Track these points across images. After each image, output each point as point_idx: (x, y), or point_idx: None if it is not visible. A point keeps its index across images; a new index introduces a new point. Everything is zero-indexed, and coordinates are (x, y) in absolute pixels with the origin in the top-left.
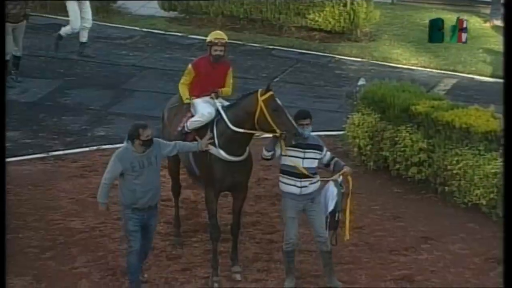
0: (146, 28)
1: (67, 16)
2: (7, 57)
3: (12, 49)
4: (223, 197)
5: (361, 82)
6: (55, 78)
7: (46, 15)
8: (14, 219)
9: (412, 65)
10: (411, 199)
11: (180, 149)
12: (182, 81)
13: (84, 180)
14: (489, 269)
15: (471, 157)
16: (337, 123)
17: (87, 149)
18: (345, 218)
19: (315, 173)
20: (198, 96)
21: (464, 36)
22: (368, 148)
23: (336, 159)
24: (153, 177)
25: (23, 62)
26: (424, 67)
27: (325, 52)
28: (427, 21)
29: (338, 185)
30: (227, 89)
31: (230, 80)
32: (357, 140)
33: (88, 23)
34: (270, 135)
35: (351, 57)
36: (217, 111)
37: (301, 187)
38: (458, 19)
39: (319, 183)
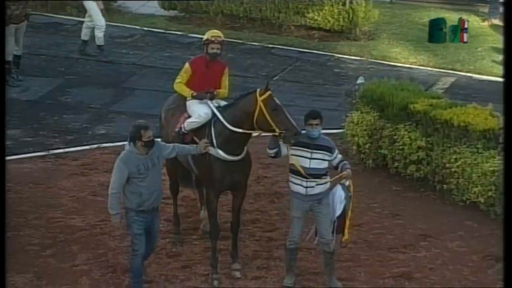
0: (146, 27)
1: (67, 15)
2: (9, 58)
3: (13, 49)
4: (223, 195)
5: (360, 80)
6: (56, 76)
7: (47, 14)
8: (15, 217)
9: (411, 64)
10: (409, 197)
11: (179, 151)
12: (178, 80)
13: (85, 178)
14: (487, 266)
15: (469, 155)
16: (336, 122)
17: (87, 147)
18: (346, 219)
19: (324, 175)
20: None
21: (465, 36)
22: (367, 146)
23: (344, 162)
24: (157, 179)
25: (24, 61)
26: (422, 65)
27: (324, 51)
28: (425, 20)
29: (345, 188)
30: (223, 91)
31: (226, 81)
32: (356, 138)
33: (100, 22)
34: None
35: (350, 55)
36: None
37: (307, 187)
38: (460, 19)
39: (327, 184)
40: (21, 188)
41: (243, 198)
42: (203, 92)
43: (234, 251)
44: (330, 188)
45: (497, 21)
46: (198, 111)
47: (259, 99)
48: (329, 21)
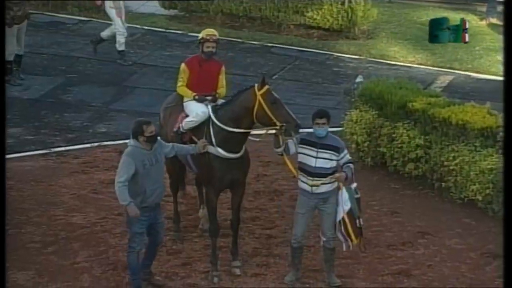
0: (147, 26)
1: (68, 14)
2: (11, 58)
3: (15, 49)
4: (222, 193)
5: (359, 79)
6: (57, 75)
7: (48, 13)
8: (16, 214)
9: (409, 63)
10: (408, 195)
11: (178, 151)
12: (180, 83)
13: (86, 176)
14: (484, 263)
15: (468, 153)
16: (335, 120)
17: (88, 145)
18: (346, 223)
19: (331, 174)
20: None
21: (467, 36)
22: (365, 144)
23: (348, 164)
24: (160, 175)
25: (25, 60)
26: (421, 64)
27: (323, 50)
28: (424, 19)
29: (350, 190)
30: (222, 91)
31: (223, 80)
32: (355, 137)
33: (120, 27)
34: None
35: (349, 54)
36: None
37: (312, 185)
38: (462, 20)
39: (334, 184)
40: (22, 186)
41: (242, 195)
42: (205, 95)
43: (234, 248)
44: (339, 188)
45: (495, 20)
46: (196, 110)
47: (258, 93)
48: (328, 20)
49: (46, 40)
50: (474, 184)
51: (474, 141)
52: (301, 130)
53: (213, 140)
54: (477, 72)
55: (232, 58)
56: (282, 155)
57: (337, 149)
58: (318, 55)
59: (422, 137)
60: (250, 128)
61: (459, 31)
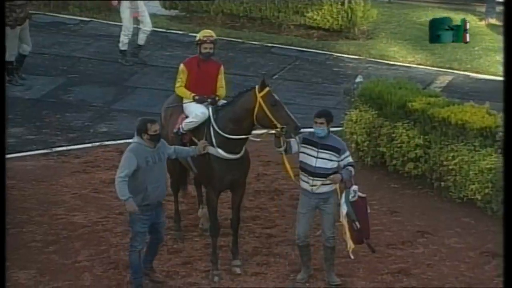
0: None
1: (70, 14)
2: (12, 58)
3: (17, 49)
4: (222, 192)
5: (359, 79)
6: (58, 75)
7: (49, 14)
8: (18, 213)
9: (409, 63)
10: (407, 194)
11: (179, 153)
12: (178, 84)
13: (87, 176)
14: (483, 262)
15: (467, 153)
16: (335, 120)
17: (89, 145)
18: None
19: (331, 175)
20: None
21: (468, 36)
22: (365, 144)
23: (347, 166)
24: (162, 173)
25: (27, 60)
26: (420, 64)
27: (323, 50)
28: (423, 20)
29: (347, 193)
30: (221, 91)
31: (222, 80)
32: (354, 136)
33: (148, 27)
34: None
35: (348, 54)
36: (212, 109)
37: (312, 185)
38: (463, 20)
39: (335, 184)
40: (24, 186)
41: (243, 195)
42: (204, 96)
43: (234, 247)
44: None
45: (494, 21)
46: (195, 111)
47: (258, 95)
48: (328, 21)
49: (47, 40)
50: (473, 184)
51: (473, 140)
52: (301, 130)
53: (213, 141)
54: (476, 72)
55: (233, 58)
56: (283, 153)
57: (337, 150)
58: (318, 55)
59: (422, 136)
60: (250, 132)
61: (460, 31)
